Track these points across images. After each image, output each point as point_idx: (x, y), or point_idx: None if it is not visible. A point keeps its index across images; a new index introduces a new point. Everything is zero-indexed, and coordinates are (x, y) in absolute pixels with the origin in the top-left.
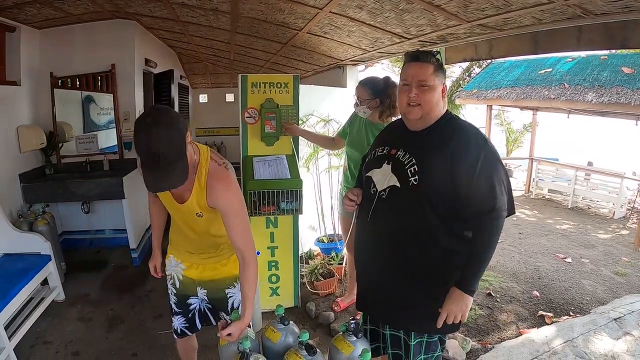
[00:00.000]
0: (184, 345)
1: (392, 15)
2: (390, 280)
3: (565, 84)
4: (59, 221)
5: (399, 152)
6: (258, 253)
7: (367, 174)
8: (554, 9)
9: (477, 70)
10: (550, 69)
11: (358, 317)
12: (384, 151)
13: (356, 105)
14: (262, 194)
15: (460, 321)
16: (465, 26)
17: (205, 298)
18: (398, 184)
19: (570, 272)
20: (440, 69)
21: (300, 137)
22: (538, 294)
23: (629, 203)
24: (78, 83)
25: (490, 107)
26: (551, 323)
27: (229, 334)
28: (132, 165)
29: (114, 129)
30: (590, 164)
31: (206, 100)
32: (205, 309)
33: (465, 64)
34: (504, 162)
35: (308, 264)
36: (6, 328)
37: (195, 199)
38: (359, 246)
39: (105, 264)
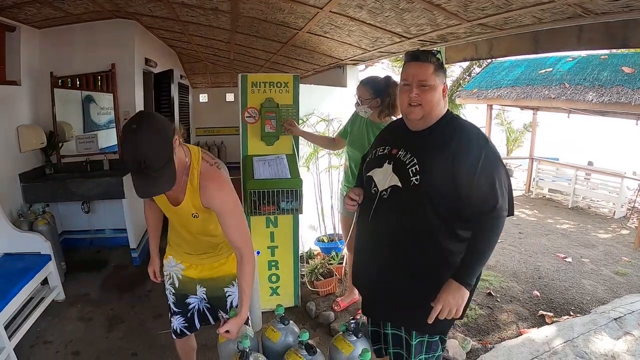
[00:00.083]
0: (183, 346)
1: (392, 15)
2: (390, 280)
3: (566, 84)
4: (59, 221)
5: (400, 152)
6: (258, 252)
7: (368, 174)
8: (555, 8)
9: (477, 69)
10: (551, 69)
11: (358, 317)
12: (385, 151)
13: (357, 104)
14: (262, 193)
15: (453, 318)
16: (466, 25)
17: (204, 297)
18: (399, 184)
19: (571, 271)
20: (440, 68)
21: (300, 137)
22: (538, 294)
23: (629, 203)
24: (78, 83)
25: (490, 107)
26: (551, 323)
27: (227, 331)
28: None
29: (114, 129)
30: (590, 163)
31: (206, 100)
32: (204, 309)
33: (465, 64)
34: (504, 161)
35: (308, 263)
36: (6, 328)
37: (190, 200)
38: (359, 246)
39: (106, 264)
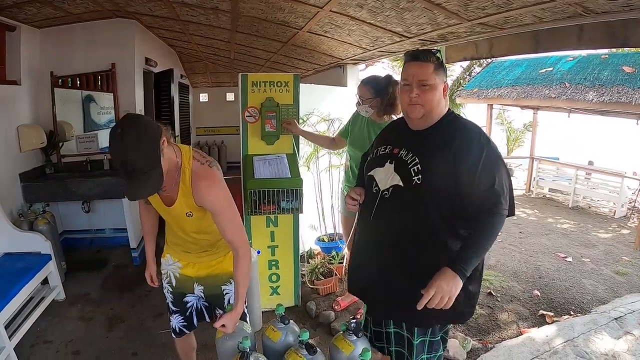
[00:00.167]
0: (183, 345)
1: (393, 14)
2: (390, 279)
3: (566, 83)
4: (59, 220)
5: (401, 151)
6: (258, 252)
7: (369, 173)
8: (555, 7)
9: (478, 69)
10: (551, 68)
11: (359, 316)
12: (387, 150)
13: (358, 104)
14: (262, 193)
15: (443, 308)
16: (466, 25)
17: (202, 295)
18: (401, 183)
19: (571, 271)
20: (440, 67)
21: (300, 136)
22: (539, 293)
23: (630, 202)
24: (78, 82)
25: (490, 106)
26: (552, 322)
27: (223, 325)
28: None
29: None
30: (591, 163)
31: (206, 100)
32: (202, 307)
33: (465, 63)
34: (505, 161)
35: (308, 263)
36: (6, 327)
37: (183, 200)
38: (359, 245)
39: (106, 263)
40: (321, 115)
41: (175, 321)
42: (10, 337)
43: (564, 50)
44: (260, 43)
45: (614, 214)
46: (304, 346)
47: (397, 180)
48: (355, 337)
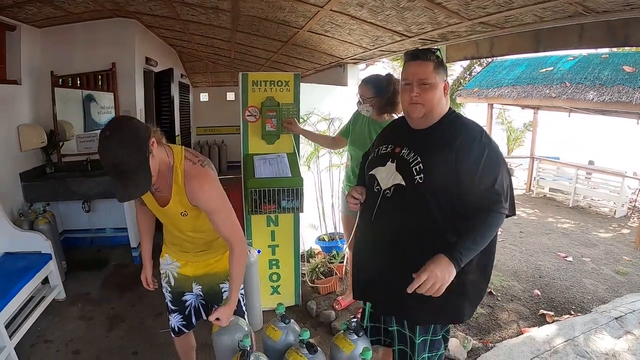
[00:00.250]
0: (183, 344)
1: (393, 14)
2: (391, 279)
3: (567, 83)
4: (59, 220)
5: (403, 150)
6: (259, 252)
7: (370, 172)
8: (556, 6)
9: (478, 68)
10: (552, 68)
11: (359, 316)
12: (388, 149)
13: (359, 103)
14: (262, 192)
15: (432, 296)
16: (467, 24)
17: (200, 293)
18: (403, 183)
19: (572, 271)
20: (440, 66)
21: (301, 135)
22: (539, 293)
23: (630, 202)
24: (79, 82)
25: (491, 106)
26: (552, 322)
27: (217, 319)
28: None
29: None
30: (591, 162)
31: (207, 99)
32: (199, 305)
33: (466, 63)
34: (505, 161)
35: (309, 262)
36: (7, 327)
37: (177, 200)
38: (360, 245)
39: (106, 263)
40: (321, 114)
41: (175, 320)
42: (10, 336)
43: (565, 50)
44: (260, 42)
45: (615, 213)
46: (304, 345)
47: (399, 180)
48: (355, 337)
